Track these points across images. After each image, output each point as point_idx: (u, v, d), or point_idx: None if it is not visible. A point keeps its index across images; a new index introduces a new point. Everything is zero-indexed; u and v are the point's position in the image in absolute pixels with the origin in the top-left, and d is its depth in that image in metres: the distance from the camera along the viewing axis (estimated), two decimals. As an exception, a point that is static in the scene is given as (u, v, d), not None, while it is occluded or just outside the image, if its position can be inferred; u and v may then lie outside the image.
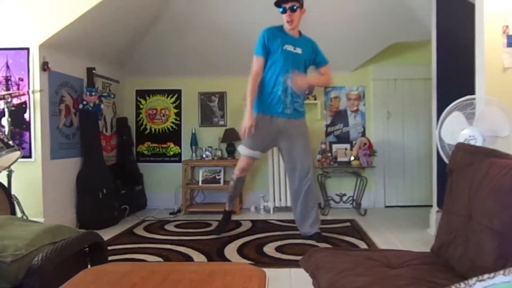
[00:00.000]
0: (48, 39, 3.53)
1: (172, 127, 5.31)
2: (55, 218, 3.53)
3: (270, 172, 4.91)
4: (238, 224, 4.15)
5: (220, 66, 4.98)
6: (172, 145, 5.30)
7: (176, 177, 5.05)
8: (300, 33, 3.48)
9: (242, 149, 3.52)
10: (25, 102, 3.54)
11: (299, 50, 3.39)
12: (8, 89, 3.51)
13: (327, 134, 5.18)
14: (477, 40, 2.78)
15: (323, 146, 4.88)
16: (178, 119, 5.31)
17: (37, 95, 3.52)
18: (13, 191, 3.17)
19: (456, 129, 2.47)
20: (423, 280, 1.43)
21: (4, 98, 3.25)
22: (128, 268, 1.67)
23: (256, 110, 3.43)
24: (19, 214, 3.13)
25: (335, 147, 5.03)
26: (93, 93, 4.21)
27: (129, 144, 5.17)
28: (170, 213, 4.74)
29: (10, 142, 2.96)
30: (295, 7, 3.26)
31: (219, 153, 4.99)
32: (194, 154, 5.01)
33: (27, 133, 3.55)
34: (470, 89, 2.80)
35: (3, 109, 3.32)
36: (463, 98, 2.54)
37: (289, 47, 3.36)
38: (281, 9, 3.28)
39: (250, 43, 3.80)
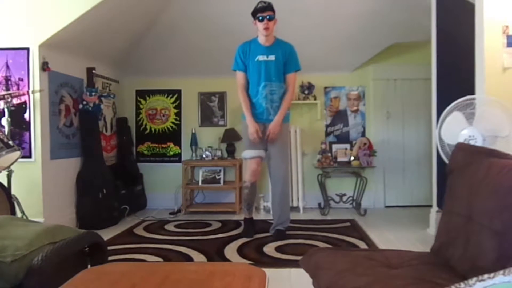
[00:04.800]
0: (48, 39, 3.53)
1: (172, 127, 5.31)
2: (55, 218, 3.53)
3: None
4: (238, 224, 4.14)
5: (220, 66, 4.97)
6: (172, 145, 5.30)
7: (176, 177, 5.04)
8: (275, 39, 3.68)
9: (247, 153, 3.71)
10: (25, 102, 3.54)
11: (272, 57, 3.62)
12: (8, 89, 3.51)
13: (327, 134, 5.18)
14: (477, 40, 2.78)
15: (323, 146, 4.88)
16: (178, 119, 5.31)
17: (37, 95, 3.52)
18: (13, 191, 3.17)
19: (456, 129, 2.47)
20: (423, 280, 1.42)
21: (4, 98, 3.25)
22: (128, 268, 1.67)
23: (245, 118, 3.72)
24: (19, 214, 3.13)
25: (335, 147, 5.03)
26: (93, 93, 4.21)
27: (129, 144, 5.17)
28: (170, 213, 4.74)
29: (10, 142, 2.96)
30: (271, 17, 3.53)
31: (219, 153, 4.99)
32: (194, 154, 5.01)
33: (27, 133, 3.54)
34: (470, 89, 2.80)
35: (3, 109, 3.32)
36: (463, 98, 2.54)
37: (262, 57, 3.62)
38: (260, 18, 3.52)
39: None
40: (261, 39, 3.62)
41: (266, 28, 3.53)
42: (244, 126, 3.79)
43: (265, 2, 3.53)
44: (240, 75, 3.67)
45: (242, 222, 3.95)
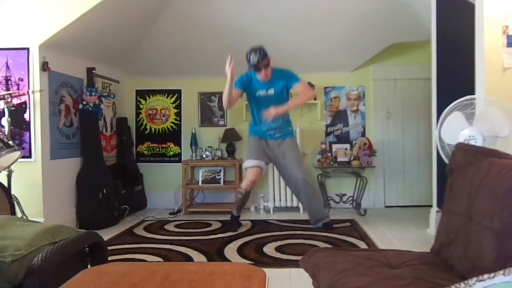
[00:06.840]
0: (48, 39, 3.53)
1: (172, 127, 5.31)
2: (55, 218, 3.53)
3: (270, 172, 4.91)
4: (238, 224, 4.14)
5: (220, 66, 4.95)
6: (172, 145, 5.30)
7: (176, 177, 5.04)
8: (271, 72, 3.74)
9: (248, 163, 3.86)
10: (25, 102, 3.54)
11: (271, 91, 3.76)
12: (8, 89, 3.51)
13: (327, 134, 5.18)
14: (477, 40, 2.78)
15: (323, 146, 4.88)
16: (178, 119, 5.31)
17: (37, 95, 3.52)
18: (13, 191, 3.17)
19: (456, 129, 2.47)
20: (423, 280, 1.43)
21: (4, 98, 3.25)
22: (128, 268, 1.67)
23: (251, 134, 3.96)
24: (19, 214, 3.13)
25: (335, 147, 5.03)
26: (93, 93, 4.21)
27: (129, 144, 5.17)
28: (170, 213, 4.74)
29: (10, 142, 2.96)
30: (267, 65, 3.62)
31: (219, 153, 4.99)
32: (194, 154, 5.01)
33: (27, 133, 3.54)
34: (470, 89, 2.80)
35: (3, 109, 3.32)
36: (463, 98, 2.54)
37: (262, 92, 3.77)
38: (257, 69, 3.63)
39: (250, 43, 3.80)
40: (260, 78, 3.72)
41: (266, 76, 3.67)
42: (249, 141, 3.97)
43: (256, 51, 3.55)
44: (236, 91, 3.70)
45: (230, 217, 4.03)
